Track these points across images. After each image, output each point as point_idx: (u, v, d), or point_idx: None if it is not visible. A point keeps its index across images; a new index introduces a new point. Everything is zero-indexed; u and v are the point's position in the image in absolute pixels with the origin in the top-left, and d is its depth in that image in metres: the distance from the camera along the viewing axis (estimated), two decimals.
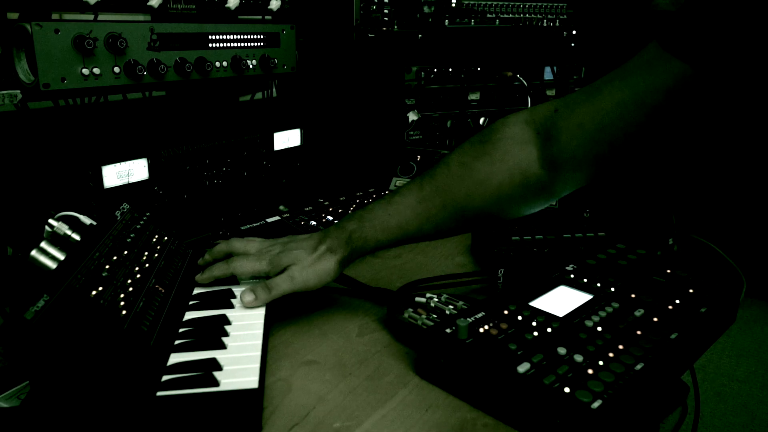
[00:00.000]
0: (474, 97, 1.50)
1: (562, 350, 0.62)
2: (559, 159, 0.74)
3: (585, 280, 0.78)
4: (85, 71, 0.88)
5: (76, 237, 0.72)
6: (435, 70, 1.41)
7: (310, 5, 1.37)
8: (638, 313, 0.70)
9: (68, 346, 0.58)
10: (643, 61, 0.68)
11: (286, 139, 1.24)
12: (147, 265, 0.75)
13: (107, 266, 0.68)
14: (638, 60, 0.69)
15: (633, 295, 0.74)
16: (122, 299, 0.65)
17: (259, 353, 0.67)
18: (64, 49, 0.85)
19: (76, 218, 0.77)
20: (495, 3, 1.48)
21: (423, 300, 0.79)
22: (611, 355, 0.61)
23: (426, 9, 1.39)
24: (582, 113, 0.72)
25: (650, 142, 0.70)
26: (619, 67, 0.70)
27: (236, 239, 0.84)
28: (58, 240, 0.71)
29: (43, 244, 0.70)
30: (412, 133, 1.42)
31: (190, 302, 0.78)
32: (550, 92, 1.62)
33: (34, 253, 0.69)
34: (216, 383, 0.60)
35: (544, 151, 0.75)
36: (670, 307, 0.71)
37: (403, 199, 0.80)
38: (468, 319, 0.67)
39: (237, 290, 0.81)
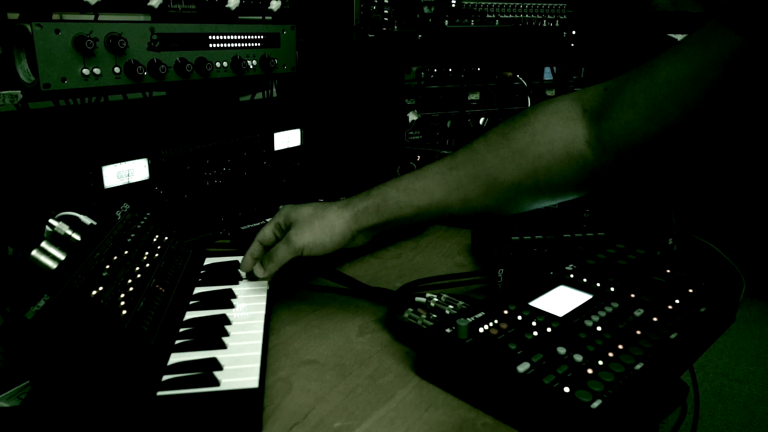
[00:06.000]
0: (474, 97, 1.50)
1: (561, 350, 0.62)
2: (607, 138, 0.68)
3: (585, 280, 0.78)
4: (86, 71, 0.88)
5: (77, 237, 0.72)
6: (435, 70, 1.41)
7: (310, 5, 1.37)
8: (638, 313, 0.70)
9: (68, 345, 0.58)
10: (698, 36, 0.64)
11: (286, 139, 1.24)
12: (147, 265, 0.75)
13: (107, 266, 0.68)
14: (694, 36, 0.64)
15: (633, 295, 0.74)
16: (122, 299, 0.65)
17: (259, 353, 0.67)
18: (64, 50, 0.85)
19: (77, 218, 0.77)
20: (495, 3, 1.48)
21: (423, 300, 0.79)
22: (611, 354, 0.61)
23: (426, 9, 1.39)
24: (634, 89, 0.67)
25: (707, 127, 0.65)
26: (674, 45, 0.66)
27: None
28: (58, 240, 0.71)
29: (43, 244, 0.70)
30: (412, 133, 1.42)
31: (191, 302, 0.78)
32: (550, 92, 1.62)
33: (34, 253, 0.69)
34: (216, 383, 0.60)
35: (592, 129, 0.70)
36: (670, 307, 0.71)
37: (432, 166, 0.77)
38: (468, 319, 0.67)
39: (237, 290, 0.82)
